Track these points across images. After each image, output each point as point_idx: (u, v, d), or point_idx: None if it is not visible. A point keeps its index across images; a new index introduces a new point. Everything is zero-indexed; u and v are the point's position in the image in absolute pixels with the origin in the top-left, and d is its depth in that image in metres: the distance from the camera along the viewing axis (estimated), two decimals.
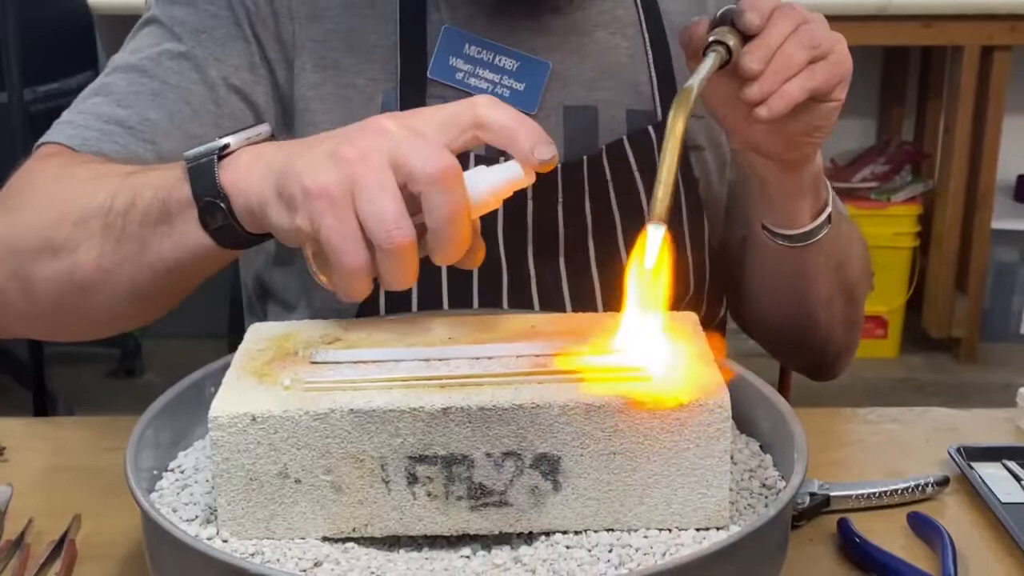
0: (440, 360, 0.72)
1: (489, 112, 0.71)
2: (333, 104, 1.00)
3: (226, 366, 0.73)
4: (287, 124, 1.01)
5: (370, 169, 0.67)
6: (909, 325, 3.12)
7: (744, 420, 0.79)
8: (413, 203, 0.69)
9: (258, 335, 0.77)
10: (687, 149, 1.06)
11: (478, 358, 0.72)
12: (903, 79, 3.22)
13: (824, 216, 0.98)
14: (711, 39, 0.83)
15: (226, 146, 0.76)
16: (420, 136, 0.70)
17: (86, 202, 0.83)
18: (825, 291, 1.04)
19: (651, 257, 0.71)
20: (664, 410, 0.67)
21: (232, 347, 0.77)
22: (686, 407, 0.67)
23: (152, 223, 0.79)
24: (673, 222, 1.04)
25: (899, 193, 3.04)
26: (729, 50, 0.82)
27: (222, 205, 0.75)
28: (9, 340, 2.67)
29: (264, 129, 0.79)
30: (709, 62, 0.82)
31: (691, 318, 0.79)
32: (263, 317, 1.13)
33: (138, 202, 0.80)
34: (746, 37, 0.83)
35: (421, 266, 1.00)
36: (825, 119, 0.88)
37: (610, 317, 0.80)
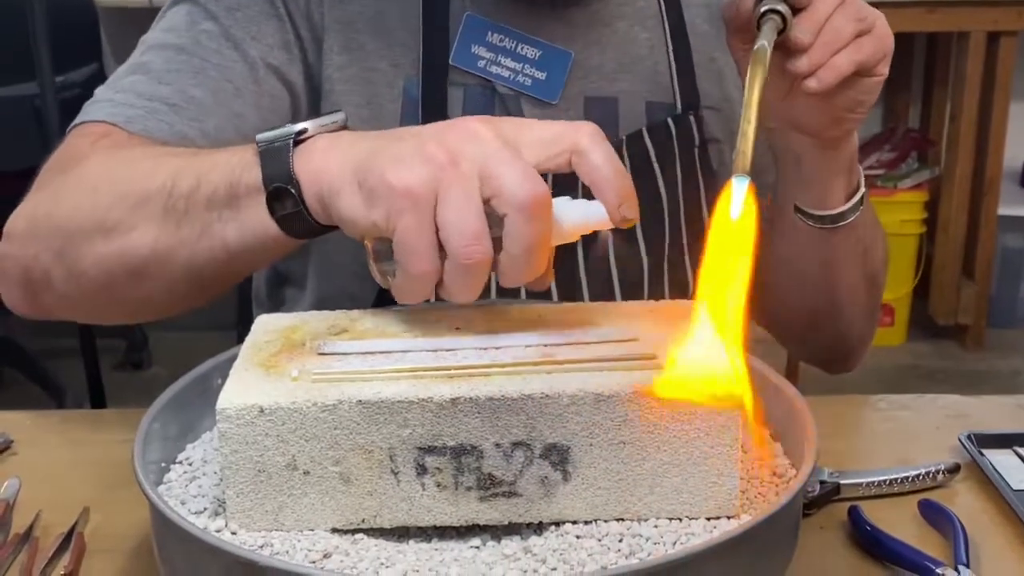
0: (448, 351, 0.72)
1: (590, 145, 0.69)
2: (356, 87, 0.99)
3: (233, 358, 0.73)
4: (315, 106, 1.00)
5: (458, 175, 0.65)
6: (916, 312, 3.12)
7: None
8: (491, 216, 0.67)
9: (265, 327, 0.77)
10: (706, 142, 1.05)
11: (486, 348, 0.72)
12: (908, 66, 3.21)
13: (857, 198, 0.98)
14: (764, 8, 0.82)
15: (302, 131, 0.74)
16: (514, 152, 0.67)
17: (144, 183, 0.81)
18: (851, 277, 1.04)
19: (736, 208, 0.69)
20: (673, 399, 0.66)
21: (240, 339, 0.77)
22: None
23: (218, 206, 0.77)
24: (695, 215, 1.04)
25: (905, 180, 3.04)
26: (784, 18, 0.82)
27: (292, 192, 0.73)
28: (18, 333, 2.68)
29: (340, 117, 0.77)
30: (768, 28, 0.81)
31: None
32: (277, 305, 1.13)
33: (203, 185, 0.78)
34: (794, 10, 0.83)
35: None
36: (868, 94, 0.88)
37: (618, 307, 0.80)
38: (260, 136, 0.75)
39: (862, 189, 0.99)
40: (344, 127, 0.77)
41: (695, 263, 1.05)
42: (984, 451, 0.90)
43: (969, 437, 0.91)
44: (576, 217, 0.70)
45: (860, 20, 0.84)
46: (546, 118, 1.01)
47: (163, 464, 0.75)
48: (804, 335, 1.12)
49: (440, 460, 0.66)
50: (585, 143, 0.69)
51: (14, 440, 0.95)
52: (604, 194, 0.69)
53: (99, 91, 0.96)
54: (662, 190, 1.02)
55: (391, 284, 0.71)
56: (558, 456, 0.67)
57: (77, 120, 0.95)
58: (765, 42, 0.79)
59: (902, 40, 3.46)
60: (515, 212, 0.65)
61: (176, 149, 0.87)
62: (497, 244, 0.67)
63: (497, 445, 0.66)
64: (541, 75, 1.00)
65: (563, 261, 1.00)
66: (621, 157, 1.00)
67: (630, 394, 0.66)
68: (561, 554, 0.66)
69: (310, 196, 0.73)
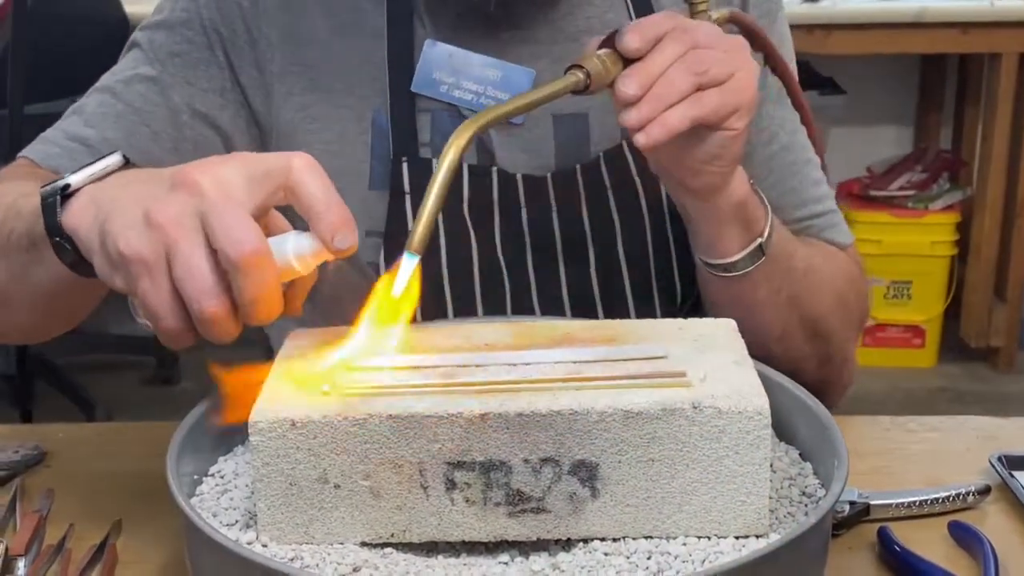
0: (478, 366, 0.72)
1: (301, 178, 0.70)
2: (325, 124, 1.01)
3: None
4: (266, 148, 1.02)
5: (183, 234, 0.67)
6: (947, 334, 3.10)
7: (783, 428, 0.78)
8: None
9: (297, 341, 0.78)
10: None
11: (515, 364, 0.72)
12: (940, 86, 3.20)
13: (750, 248, 0.93)
14: (574, 62, 0.80)
15: (67, 186, 0.75)
16: (230, 199, 0.68)
17: None
18: (775, 325, 0.98)
19: (399, 285, 0.71)
20: (703, 417, 0.66)
21: (270, 355, 0.77)
22: (725, 414, 0.66)
23: (25, 249, 0.81)
24: (683, 227, 1.02)
25: (937, 201, 3.02)
26: (589, 75, 0.79)
27: (67, 245, 0.74)
28: (48, 348, 2.71)
29: (113, 161, 0.77)
30: (551, 87, 0.79)
31: (729, 324, 0.79)
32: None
33: (15, 228, 0.82)
34: (627, 61, 0.80)
35: (426, 273, 0.99)
36: (722, 148, 0.84)
37: (646, 324, 0.80)
38: (42, 189, 0.76)
39: (760, 239, 0.93)
40: (125, 165, 0.77)
41: (684, 275, 1.04)
42: (1015, 473, 0.89)
43: (1000, 459, 0.90)
44: (301, 249, 0.70)
45: (701, 73, 0.80)
46: (512, 139, 1.01)
47: (195, 477, 0.76)
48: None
49: (469, 475, 0.67)
50: (294, 178, 0.70)
51: (47, 452, 0.96)
52: (316, 227, 0.70)
53: (49, 129, 1.02)
54: (643, 206, 1.02)
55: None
56: (587, 473, 0.67)
57: (19, 153, 1.01)
58: (495, 109, 0.77)
59: (934, 61, 3.42)
60: (231, 269, 0.67)
61: (21, 187, 0.88)
62: None
63: (526, 461, 0.67)
64: (503, 95, 1.00)
65: (546, 276, 1.01)
66: (599, 172, 1.00)
67: (659, 411, 0.66)
68: (589, 571, 0.66)
69: (82, 249, 0.74)
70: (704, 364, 0.71)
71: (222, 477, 0.77)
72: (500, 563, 0.68)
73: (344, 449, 0.67)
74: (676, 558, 0.67)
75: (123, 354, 3.10)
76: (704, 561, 0.67)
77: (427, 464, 0.67)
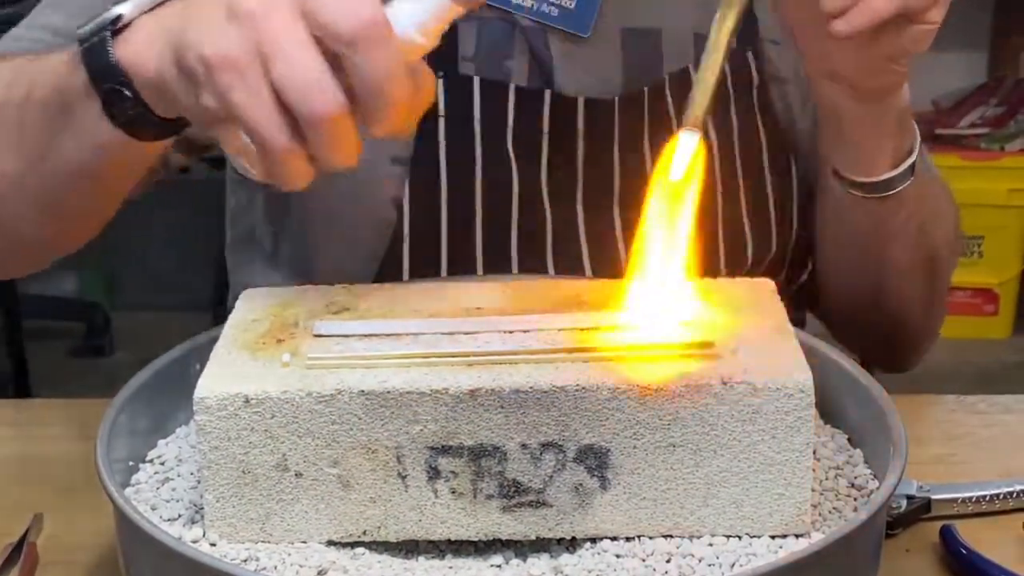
0: (467, 334, 0.72)
1: None
2: None
3: (214, 340, 0.74)
4: None
5: (278, 24, 0.65)
6: None
7: (830, 408, 0.79)
8: (336, 60, 0.66)
9: (252, 302, 0.78)
10: (768, 81, 1.05)
11: (512, 331, 0.73)
12: (1020, 4, 3.19)
13: (907, 164, 0.97)
14: None
15: (119, 17, 0.73)
16: None
17: None
18: (904, 257, 1.03)
19: (679, 167, 0.71)
20: (734, 395, 0.66)
21: (217, 321, 0.77)
22: (760, 391, 0.67)
23: (51, 116, 0.78)
24: (753, 170, 1.05)
25: (1015, 141, 3.02)
26: None
27: (127, 92, 0.72)
28: None
29: None
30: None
31: (767, 285, 0.79)
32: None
33: (35, 93, 0.79)
34: None
35: (455, 222, 0.99)
36: (915, 44, 0.86)
37: (673, 285, 0.80)
38: (80, 30, 0.74)
39: (914, 154, 0.98)
40: None
41: (756, 230, 1.05)
42: None
43: None
44: (419, 17, 0.68)
45: None
46: (577, 53, 1.01)
47: (131, 463, 0.76)
48: (851, 322, 1.12)
49: (456, 462, 0.67)
50: None
51: None
52: None
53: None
54: (713, 141, 1.02)
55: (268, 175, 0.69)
56: (595, 460, 0.67)
57: None
58: None
59: None
60: (347, 48, 0.65)
61: (14, 56, 0.87)
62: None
63: (523, 446, 0.67)
64: (570, 3, 1.00)
65: (598, 221, 1.01)
66: (663, 98, 1.01)
67: (682, 388, 0.66)
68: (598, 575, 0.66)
69: (145, 92, 0.73)
70: (736, 332, 0.72)
71: (162, 463, 0.77)
72: (492, 566, 0.68)
73: (307, 431, 0.67)
74: (701, 561, 0.67)
75: (45, 319, 3.10)
76: (734, 564, 0.67)
77: (406, 449, 0.67)
